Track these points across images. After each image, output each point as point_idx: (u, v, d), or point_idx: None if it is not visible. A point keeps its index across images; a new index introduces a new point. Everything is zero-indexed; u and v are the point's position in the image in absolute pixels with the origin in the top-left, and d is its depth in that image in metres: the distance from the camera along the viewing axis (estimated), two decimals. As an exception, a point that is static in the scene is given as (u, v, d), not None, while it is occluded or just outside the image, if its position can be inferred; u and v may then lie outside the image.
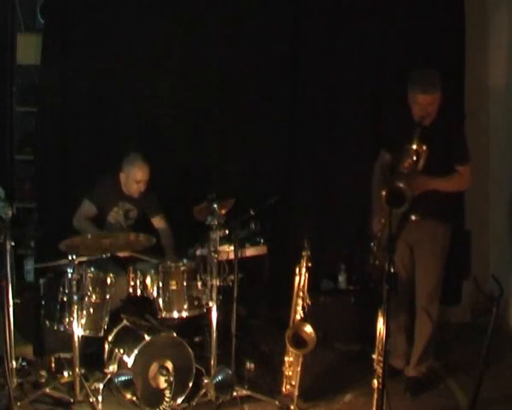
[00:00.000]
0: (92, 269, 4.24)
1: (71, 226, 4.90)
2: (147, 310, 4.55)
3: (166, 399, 3.92)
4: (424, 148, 4.09)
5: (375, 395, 3.65)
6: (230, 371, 4.16)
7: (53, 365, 4.48)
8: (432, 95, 4.19)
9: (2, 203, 4.07)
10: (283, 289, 4.52)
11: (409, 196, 3.95)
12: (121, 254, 4.68)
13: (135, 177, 4.86)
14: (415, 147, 4.07)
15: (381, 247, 4.28)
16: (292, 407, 4.18)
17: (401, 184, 3.96)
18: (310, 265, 4.26)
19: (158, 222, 5.10)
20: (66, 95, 5.45)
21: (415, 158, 4.09)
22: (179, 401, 4.14)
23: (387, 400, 3.53)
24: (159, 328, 4.36)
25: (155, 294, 4.38)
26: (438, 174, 4.21)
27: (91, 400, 4.05)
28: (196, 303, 4.37)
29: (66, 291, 4.09)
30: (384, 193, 3.97)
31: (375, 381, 3.68)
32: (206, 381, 4.20)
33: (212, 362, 4.26)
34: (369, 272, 4.87)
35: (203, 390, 4.20)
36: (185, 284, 4.36)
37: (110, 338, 4.37)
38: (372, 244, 4.34)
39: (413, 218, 4.22)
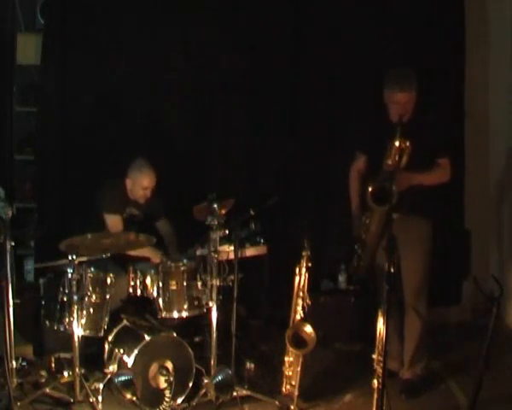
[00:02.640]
0: (92, 269, 4.24)
1: (71, 226, 4.89)
2: (147, 310, 4.55)
3: (166, 399, 3.92)
4: (407, 144, 4.09)
5: (375, 395, 3.63)
6: (230, 371, 4.16)
7: (53, 365, 4.48)
8: (409, 93, 4.24)
9: (2, 203, 4.06)
10: (283, 289, 4.52)
11: (395, 193, 3.93)
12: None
13: (141, 183, 4.83)
14: (397, 144, 4.07)
15: (365, 248, 4.28)
16: (292, 407, 4.17)
17: (387, 183, 3.93)
18: (310, 265, 4.26)
19: (162, 226, 5.09)
20: (66, 95, 5.45)
21: (397, 157, 4.09)
22: (179, 401, 4.13)
23: (387, 400, 3.52)
24: (159, 328, 4.36)
25: (155, 294, 4.38)
26: (419, 170, 4.21)
27: (91, 400, 4.04)
28: (196, 303, 4.37)
29: (66, 291, 4.08)
30: (370, 191, 3.96)
31: (375, 381, 3.66)
32: (206, 381, 4.20)
33: (212, 362, 4.26)
34: (352, 273, 4.86)
35: (203, 390, 4.20)
36: (185, 284, 4.36)
37: (110, 338, 4.37)
38: (356, 247, 4.33)
39: (393, 216, 4.22)
